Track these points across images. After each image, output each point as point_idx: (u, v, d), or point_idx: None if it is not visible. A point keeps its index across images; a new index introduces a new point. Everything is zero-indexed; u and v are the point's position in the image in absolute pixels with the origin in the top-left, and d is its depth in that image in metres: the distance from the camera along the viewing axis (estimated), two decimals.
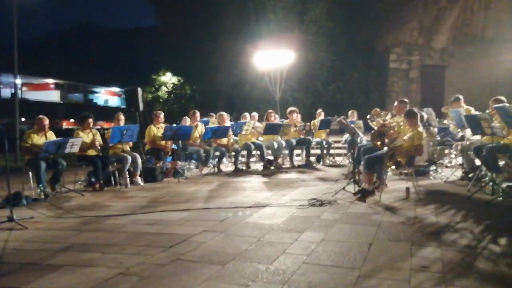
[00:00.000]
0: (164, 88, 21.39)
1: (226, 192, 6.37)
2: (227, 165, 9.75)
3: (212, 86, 20.10)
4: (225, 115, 9.31)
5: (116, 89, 39.65)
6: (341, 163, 9.60)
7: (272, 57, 13.01)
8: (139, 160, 7.39)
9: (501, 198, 4.99)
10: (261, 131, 9.26)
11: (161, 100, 21.21)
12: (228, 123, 9.47)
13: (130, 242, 3.79)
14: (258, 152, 9.40)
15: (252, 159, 9.66)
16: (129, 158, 7.13)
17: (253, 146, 9.01)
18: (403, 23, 17.24)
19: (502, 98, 6.23)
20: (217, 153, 8.82)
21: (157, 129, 8.11)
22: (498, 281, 2.70)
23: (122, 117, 7.70)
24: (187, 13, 21.28)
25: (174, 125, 8.75)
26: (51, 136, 6.79)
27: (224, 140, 8.89)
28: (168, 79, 21.39)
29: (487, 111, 6.23)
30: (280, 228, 4.08)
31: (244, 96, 17.99)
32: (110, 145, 7.29)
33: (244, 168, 8.96)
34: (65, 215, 5.04)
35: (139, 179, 7.35)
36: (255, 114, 10.59)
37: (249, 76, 17.06)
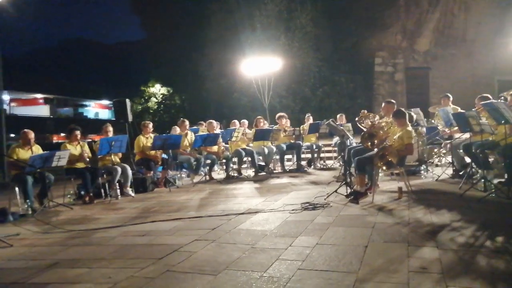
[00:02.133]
0: (153, 99, 21.29)
1: (217, 199, 6.27)
2: (218, 173, 9.67)
3: (201, 95, 20.05)
4: (215, 123, 9.25)
5: (106, 102, 39.22)
6: (332, 166, 9.58)
7: (260, 64, 12.99)
8: (129, 171, 7.27)
9: (494, 195, 4.98)
10: (251, 137, 9.21)
11: (151, 111, 21.08)
12: (217, 130, 9.40)
13: (119, 256, 3.68)
14: (249, 159, 9.33)
15: (243, 166, 9.59)
16: (119, 169, 7.01)
17: (243, 153, 8.96)
18: (387, 27, 17.44)
19: (488, 95, 6.29)
20: (208, 161, 8.75)
21: (146, 139, 8.01)
22: (497, 279, 2.66)
23: (110, 128, 7.59)
24: (173, 24, 21.27)
25: (164, 135, 8.64)
26: (37, 150, 6.64)
27: (215, 148, 8.84)
28: (158, 90, 21.30)
29: (474, 109, 6.27)
30: (274, 234, 4.01)
31: (233, 104, 17.93)
32: (99, 157, 7.18)
33: (236, 174, 8.88)
34: (52, 231, 4.89)
35: (129, 190, 7.22)
36: (245, 121, 10.54)
37: (238, 84, 17.04)
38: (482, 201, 4.81)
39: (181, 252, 3.61)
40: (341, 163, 8.20)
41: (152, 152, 7.97)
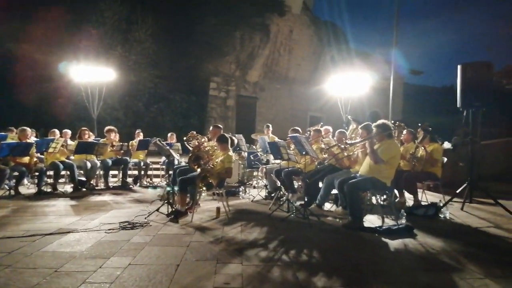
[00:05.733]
0: None
1: (22, 218, 5.52)
2: (28, 187, 8.53)
3: (17, 98, 17.42)
4: (28, 130, 8.17)
5: None
6: (158, 184, 9.54)
7: (91, 72, 12.15)
8: None
9: (294, 215, 5.76)
10: (73, 149, 8.48)
11: None
12: (32, 139, 8.35)
13: None
14: (68, 173, 8.54)
15: (61, 180, 8.72)
16: None
17: (61, 166, 8.15)
18: (223, 55, 18.62)
19: (298, 128, 7.33)
20: (16, 173, 7.64)
21: None
22: (285, 287, 3.08)
23: None
24: None
25: None
26: None
27: (26, 159, 7.79)
28: None
29: (287, 139, 7.20)
30: (84, 256, 3.76)
31: (55, 111, 16.13)
32: None
33: (50, 190, 7.99)
34: None
35: None
36: (67, 131, 9.67)
37: (63, 90, 15.51)
38: (285, 220, 5.52)
39: None
40: (167, 182, 8.28)
41: None
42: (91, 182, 8.59)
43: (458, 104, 6.48)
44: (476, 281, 3.31)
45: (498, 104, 15.00)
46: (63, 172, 8.54)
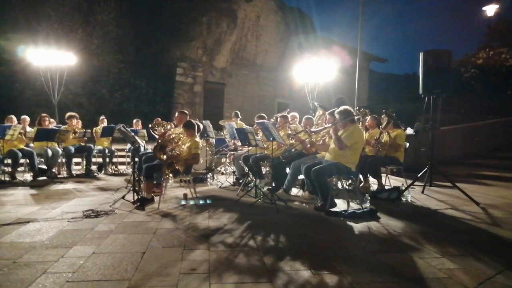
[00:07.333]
0: None
1: None
2: None
3: None
4: None
5: None
6: (124, 172, 9.34)
7: (51, 56, 11.61)
8: None
9: (261, 200, 5.80)
10: (32, 136, 8.13)
11: None
12: None
13: None
14: (27, 161, 8.20)
15: (20, 169, 8.37)
16: None
17: (20, 154, 7.81)
18: (189, 40, 18.25)
19: (263, 115, 7.34)
20: None
21: None
22: (249, 272, 3.10)
23: None
24: None
25: None
26: None
27: None
28: None
29: (254, 125, 7.20)
30: (44, 245, 3.64)
31: (13, 96, 15.36)
32: None
33: (8, 179, 7.66)
34: None
35: None
36: (26, 117, 9.25)
37: (20, 74, 14.76)
38: (252, 206, 5.55)
39: None
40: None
41: None
42: (53, 170, 8.30)
43: (420, 91, 6.67)
44: (433, 260, 3.46)
45: (457, 92, 15.63)
46: (22, 160, 8.19)
